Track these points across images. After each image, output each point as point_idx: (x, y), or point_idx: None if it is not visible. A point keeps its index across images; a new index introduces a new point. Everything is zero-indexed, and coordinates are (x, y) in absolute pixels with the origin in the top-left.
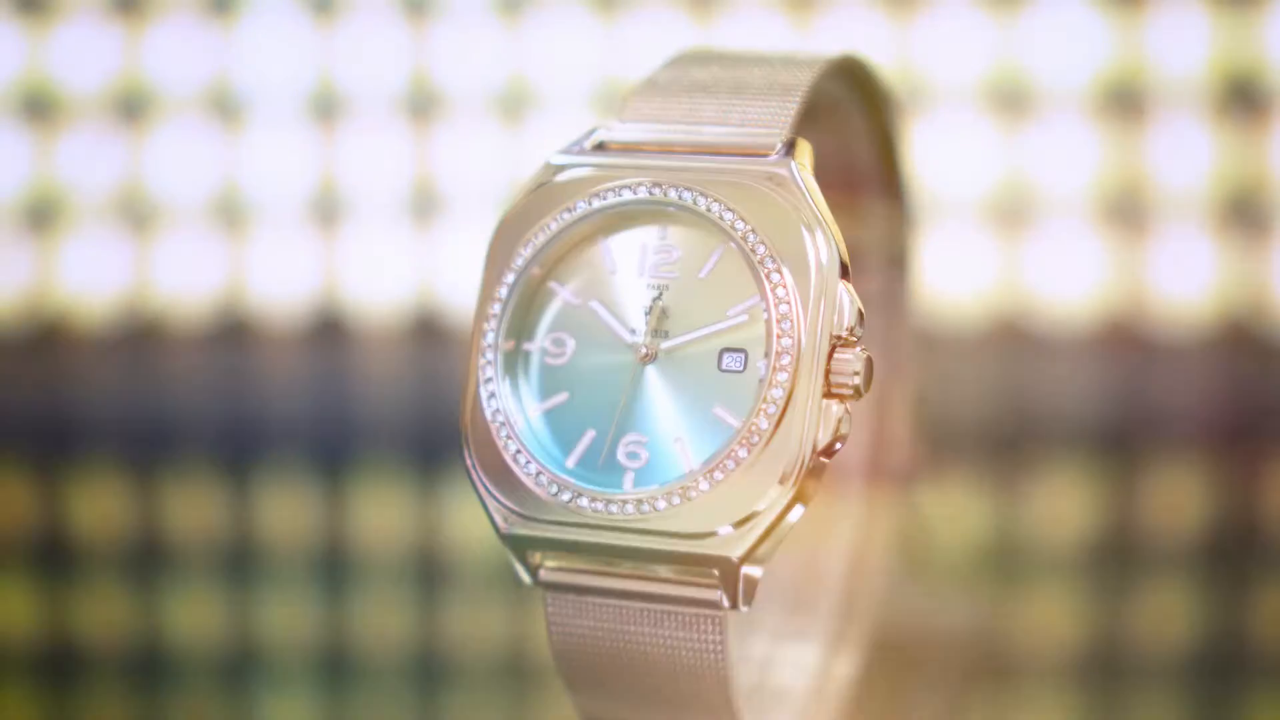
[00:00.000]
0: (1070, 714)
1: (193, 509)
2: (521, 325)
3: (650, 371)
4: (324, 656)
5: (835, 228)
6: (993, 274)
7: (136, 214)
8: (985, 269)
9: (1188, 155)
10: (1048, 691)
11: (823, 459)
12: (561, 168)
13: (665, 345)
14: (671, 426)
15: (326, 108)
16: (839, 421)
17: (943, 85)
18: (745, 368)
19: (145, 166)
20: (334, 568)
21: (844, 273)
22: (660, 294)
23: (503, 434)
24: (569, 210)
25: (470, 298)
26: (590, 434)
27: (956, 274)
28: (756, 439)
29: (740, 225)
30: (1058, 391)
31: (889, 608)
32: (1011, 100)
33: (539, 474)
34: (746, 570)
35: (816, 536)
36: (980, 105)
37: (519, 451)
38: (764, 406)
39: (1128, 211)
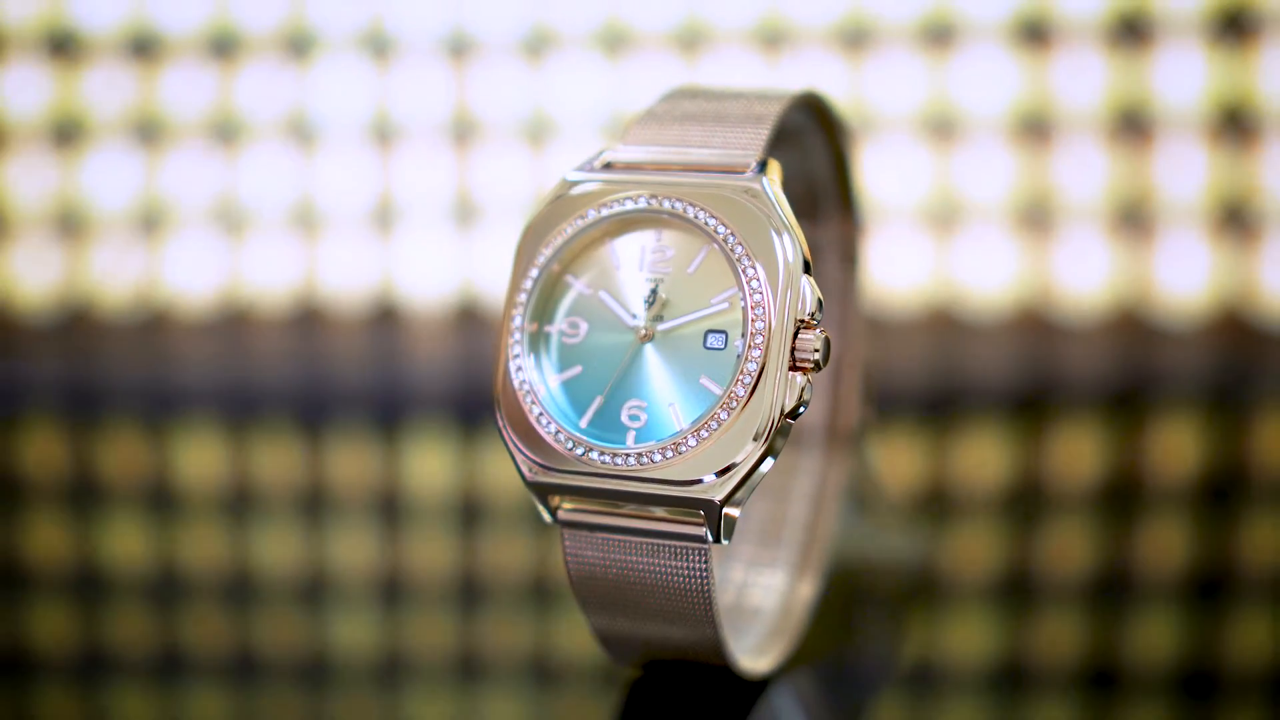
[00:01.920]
0: (991, 629)
1: (276, 461)
2: (543, 311)
3: (648, 349)
4: (383, 579)
5: (799, 232)
6: (927, 269)
7: (229, 221)
8: (921, 265)
9: (1087, 171)
10: (973, 610)
11: (789, 420)
12: (575, 182)
13: (661, 327)
14: (666, 394)
15: (384, 134)
16: (802, 390)
17: (886, 115)
18: (726, 346)
19: (236, 181)
20: (391, 508)
21: (806, 268)
22: (656, 286)
23: (528, 400)
24: (582, 217)
25: (501, 289)
26: (599, 400)
27: (898, 269)
28: (735, 404)
29: (722, 229)
30: (980, 366)
31: (843, 541)
32: (943, 127)
33: (558, 432)
34: (727, 511)
35: (784, 483)
36: (917, 131)
37: (541, 414)
38: (741, 377)
39: (1038, 218)
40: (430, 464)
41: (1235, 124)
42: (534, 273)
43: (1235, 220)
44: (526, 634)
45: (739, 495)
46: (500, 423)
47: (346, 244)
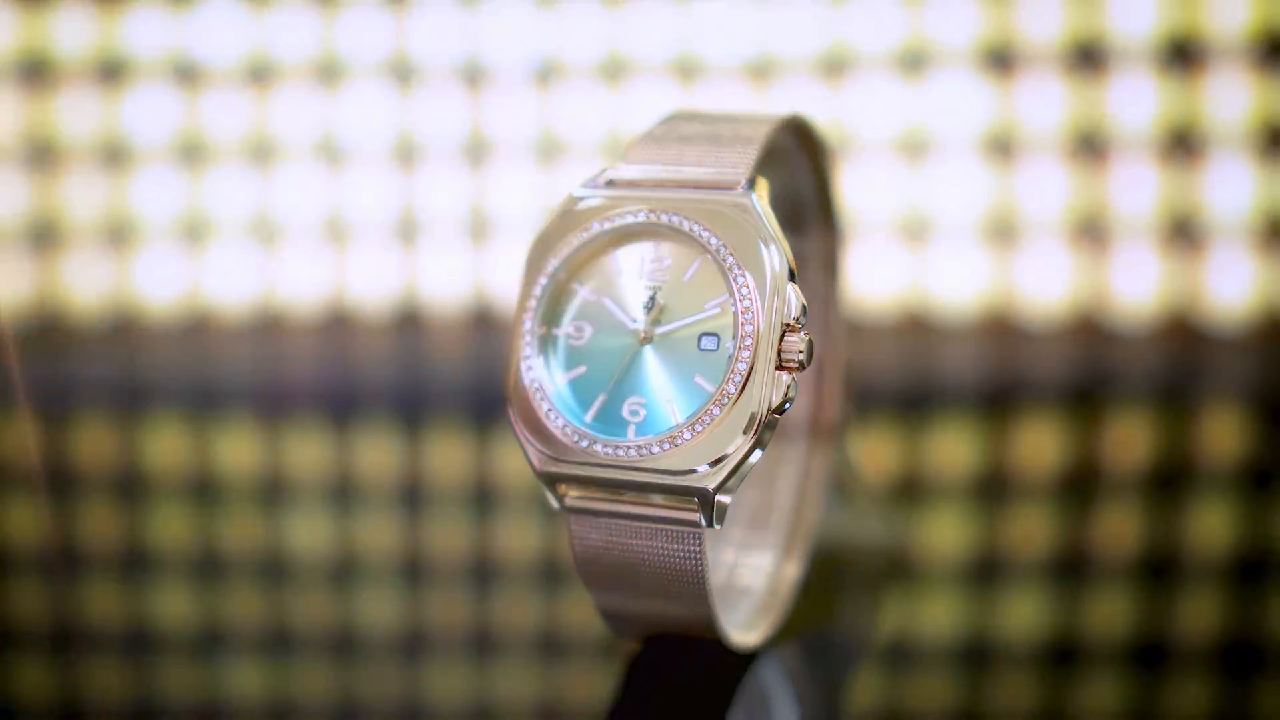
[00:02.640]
0: (961, 606)
1: (307, 452)
2: (551, 315)
3: (648, 350)
4: (405, 560)
5: (785, 243)
6: (901, 278)
7: (265, 234)
8: (896, 274)
9: (1049, 189)
10: (942, 589)
11: (775, 415)
12: (581, 198)
13: (659, 331)
14: (663, 391)
15: (406, 154)
16: (788, 387)
17: (864, 136)
18: (718, 347)
19: (271, 198)
20: (413, 495)
21: (791, 276)
22: (655, 292)
23: (537, 397)
24: (586, 230)
25: (513, 296)
26: (602, 397)
27: (874, 277)
28: (727, 400)
29: (714, 241)
30: (950, 366)
31: (825, 526)
32: (915, 147)
33: (565, 426)
34: (719, 498)
35: (771, 472)
36: (892, 151)
37: (550, 410)
38: (732, 376)
39: (1003, 231)
40: (448, 455)
41: (1183, 145)
42: (543, 280)
43: (1183, 233)
44: (536, 610)
45: (730, 484)
46: (512, 418)
47: (372, 255)
